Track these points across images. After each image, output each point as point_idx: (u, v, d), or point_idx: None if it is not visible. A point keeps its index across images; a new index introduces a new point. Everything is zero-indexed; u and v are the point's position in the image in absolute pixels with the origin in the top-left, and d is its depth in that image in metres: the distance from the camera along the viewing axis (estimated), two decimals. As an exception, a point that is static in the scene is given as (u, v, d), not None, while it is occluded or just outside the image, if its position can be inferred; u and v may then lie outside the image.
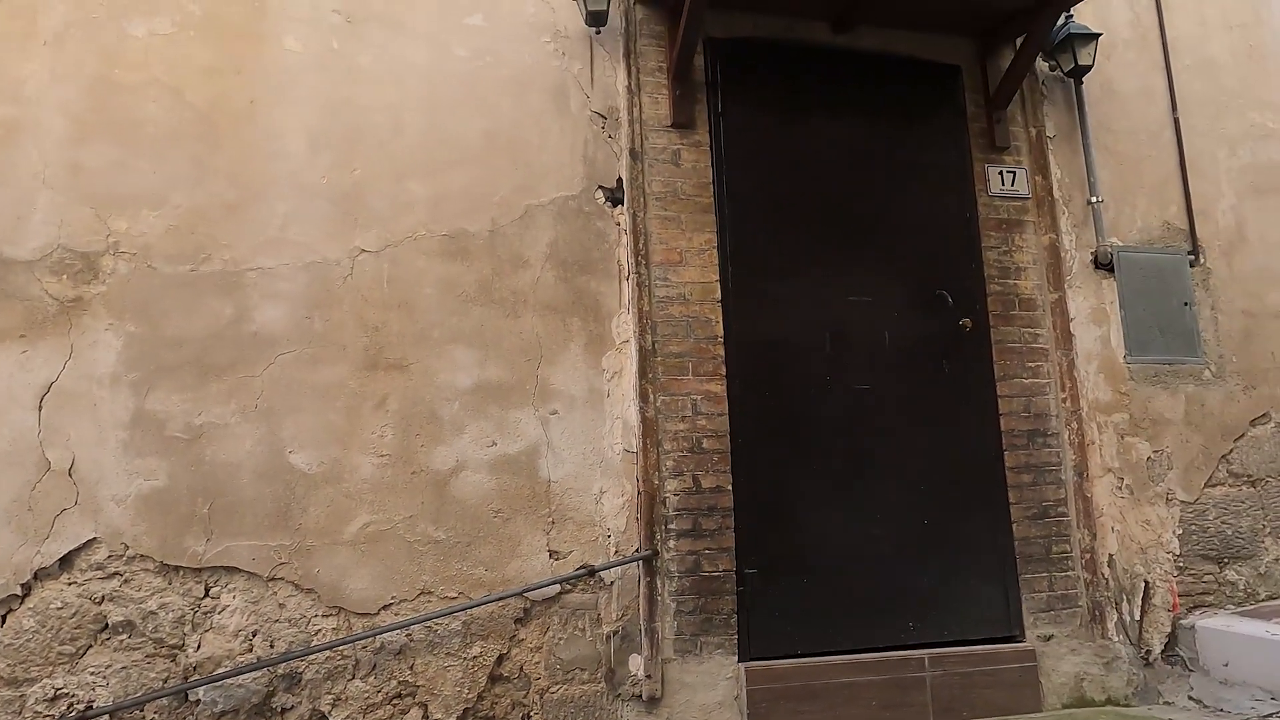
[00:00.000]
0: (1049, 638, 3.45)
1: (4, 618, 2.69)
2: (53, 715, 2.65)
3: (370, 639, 2.91)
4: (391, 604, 2.95)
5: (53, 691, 2.67)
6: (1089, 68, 3.93)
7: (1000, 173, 3.84)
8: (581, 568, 3.11)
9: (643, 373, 3.27)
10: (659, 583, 3.17)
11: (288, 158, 3.17)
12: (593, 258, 3.36)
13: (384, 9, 3.37)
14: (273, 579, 2.88)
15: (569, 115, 3.46)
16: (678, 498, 3.25)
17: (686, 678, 3.11)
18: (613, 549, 3.17)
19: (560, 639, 3.07)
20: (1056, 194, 3.89)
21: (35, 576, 2.72)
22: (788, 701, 3.11)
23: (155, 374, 2.92)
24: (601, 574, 3.13)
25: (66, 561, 2.75)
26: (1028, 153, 3.91)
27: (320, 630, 2.89)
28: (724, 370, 3.37)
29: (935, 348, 3.62)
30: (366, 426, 3.04)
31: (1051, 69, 4.01)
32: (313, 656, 2.86)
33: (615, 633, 3.11)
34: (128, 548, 2.80)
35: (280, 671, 2.83)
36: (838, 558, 3.36)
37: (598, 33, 3.53)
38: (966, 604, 3.43)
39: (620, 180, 3.43)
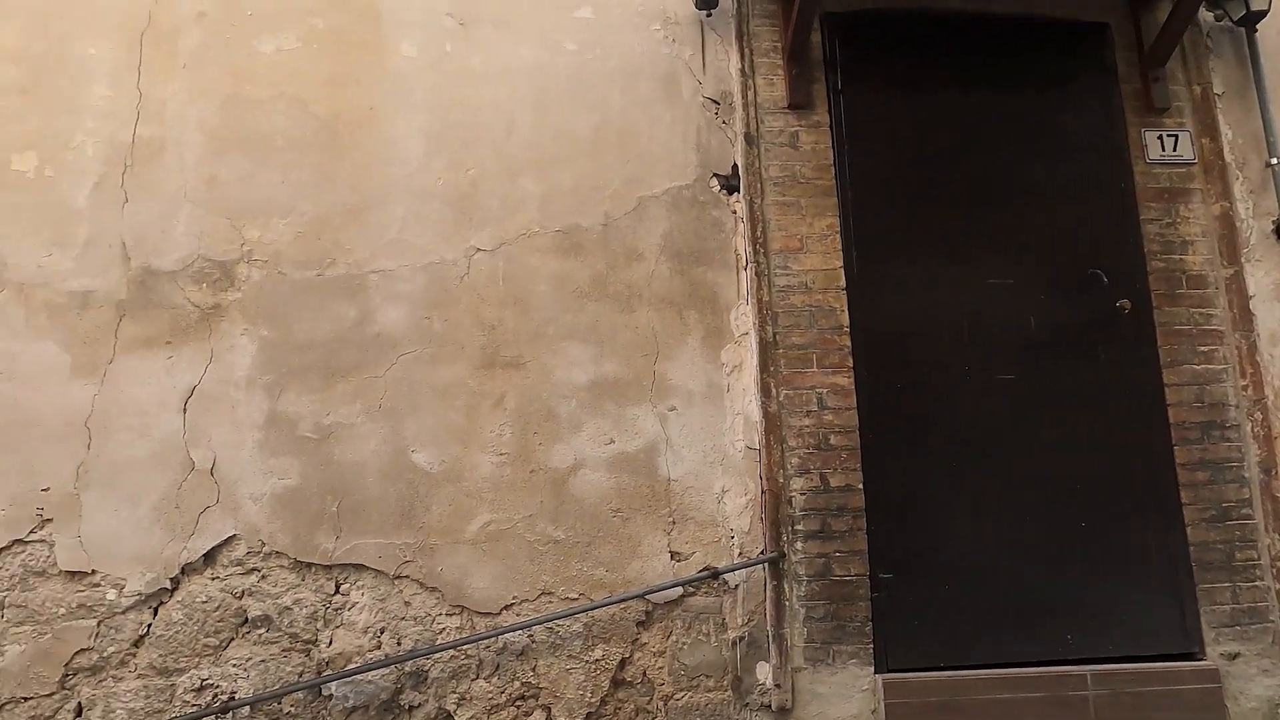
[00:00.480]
0: (1235, 656, 3.05)
1: (156, 610, 2.83)
2: (199, 705, 2.76)
3: (493, 639, 2.89)
4: (513, 604, 2.92)
5: (199, 682, 2.79)
6: (1264, 13, 3.47)
7: (1160, 137, 3.46)
8: (704, 570, 2.99)
9: (764, 366, 3.12)
10: (786, 587, 3.01)
11: (405, 162, 3.22)
12: (708, 248, 3.24)
13: (494, 9, 3.38)
14: (398, 577, 2.91)
15: (680, 103, 3.36)
16: (804, 497, 3.08)
17: (818, 688, 2.94)
18: (736, 551, 3.04)
19: (684, 644, 2.96)
20: (1228, 157, 3.47)
21: (183, 571, 2.85)
22: (930, 717, 2.87)
23: (286, 376, 3.01)
24: (725, 576, 3.00)
25: (210, 557, 2.87)
26: (1191, 113, 3.51)
27: (444, 629, 2.89)
28: (850, 362, 3.18)
29: (1089, 332, 3.28)
30: (485, 425, 3.04)
31: (1218, 19, 3.58)
32: (438, 655, 2.86)
33: (741, 638, 2.97)
34: (264, 544, 2.89)
35: (407, 669, 2.85)
36: (982, 562, 3.09)
37: (708, 15, 3.42)
38: (1133, 615, 3.08)
39: (735, 166, 3.31)
